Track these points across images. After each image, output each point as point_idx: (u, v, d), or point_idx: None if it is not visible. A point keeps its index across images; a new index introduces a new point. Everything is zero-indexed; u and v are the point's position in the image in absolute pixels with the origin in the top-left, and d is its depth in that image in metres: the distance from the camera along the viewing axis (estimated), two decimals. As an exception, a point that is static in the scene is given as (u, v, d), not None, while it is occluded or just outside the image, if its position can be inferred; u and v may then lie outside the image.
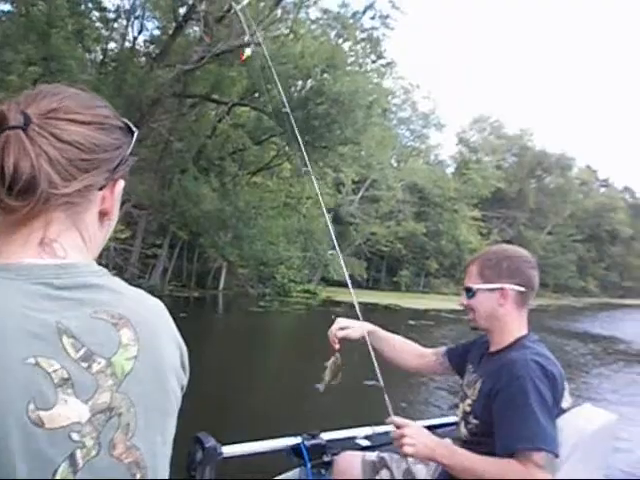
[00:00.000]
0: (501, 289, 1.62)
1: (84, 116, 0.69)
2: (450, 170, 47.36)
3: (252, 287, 23.68)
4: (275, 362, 10.34)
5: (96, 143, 0.70)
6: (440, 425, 2.53)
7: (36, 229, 0.67)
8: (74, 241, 0.70)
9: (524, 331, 1.66)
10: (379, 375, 1.84)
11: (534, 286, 1.66)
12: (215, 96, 19.75)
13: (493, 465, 1.42)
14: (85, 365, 0.62)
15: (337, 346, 1.89)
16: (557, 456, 1.40)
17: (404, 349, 2.05)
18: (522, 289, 1.63)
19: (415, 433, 1.52)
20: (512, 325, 1.64)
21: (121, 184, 0.77)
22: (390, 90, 32.76)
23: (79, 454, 0.59)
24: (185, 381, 0.77)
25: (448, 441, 1.71)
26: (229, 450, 1.90)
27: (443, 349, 2.00)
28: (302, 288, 25.89)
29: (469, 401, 1.64)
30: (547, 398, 1.43)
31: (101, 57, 18.36)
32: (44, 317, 0.61)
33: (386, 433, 2.18)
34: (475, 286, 1.66)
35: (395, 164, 38.84)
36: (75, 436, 0.59)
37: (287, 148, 21.67)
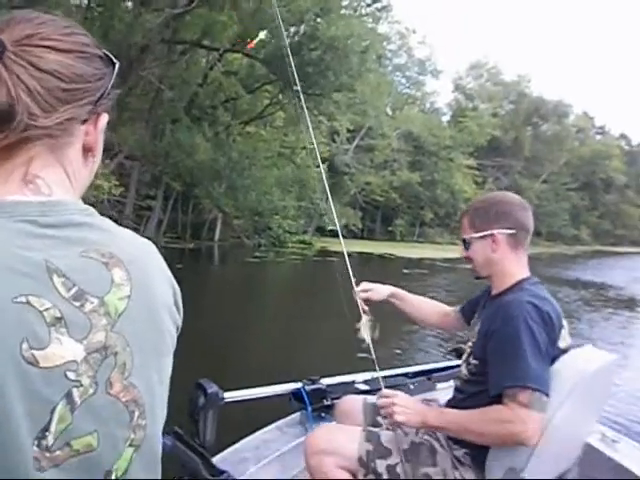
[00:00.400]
0: (492, 235, 1.66)
1: (63, 43, 0.65)
2: (446, 118, 46.85)
3: (247, 238, 23.72)
4: (272, 311, 10.48)
5: (77, 72, 0.66)
6: (440, 369, 2.59)
7: (18, 165, 0.64)
8: (58, 177, 0.67)
9: (524, 274, 1.68)
10: (371, 348, 1.89)
11: (526, 227, 1.68)
12: (206, 42, 19.16)
13: (481, 414, 1.48)
14: (77, 304, 0.60)
15: (364, 307, 1.97)
16: (547, 395, 1.42)
17: (427, 309, 2.11)
18: (512, 231, 1.65)
19: (405, 402, 1.60)
20: (510, 269, 1.67)
21: (105, 118, 0.73)
22: (385, 35, 31.95)
23: (76, 393, 0.59)
24: (180, 321, 0.76)
25: (435, 405, 1.79)
26: (231, 395, 1.94)
27: (459, 306, 2.05)
28: (297, 239, 25.96)
29: (470, 343, 1.70)
30: (539, 339, 1.45)
31: (86, 2, 17.66)
32: (31, 255, 0.59)
33: (384, 378, 2.22)
34: (468, 236, 1.71)
35: (390, 112, 38.27)
36: (71, 375, 0.58)
37: (281, 96, 21.26)
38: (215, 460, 1.71)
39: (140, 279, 0.68)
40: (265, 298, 11.99)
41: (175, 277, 0.77)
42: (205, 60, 21.60)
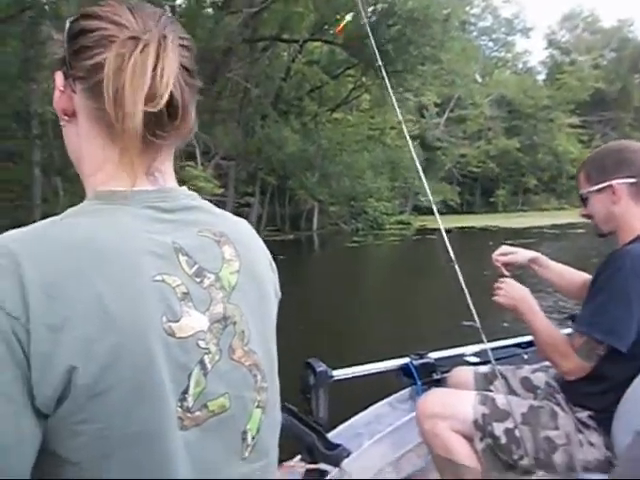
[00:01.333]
0: (610, 186, 1.54)
1: (187, 41, 0.71)
2: (541, 77, 44.23)
3: (345, 224, 23.91)
4: (376, 291, 10.50)
5: (195, 69, 0.71)
6: None
7: (147, 160, 0.69)
8: (170, 169, 0.74)
9: None
10: (474, 313, 1.84)
11: None
12: (285, 36, 19.46)
13: (555, 334, 1.57)
14: (198, 280, 0.66)
15: (505, 272, 1.89)
16: (614, 349, 1.42)
17: (570, 278, 1.95)
18: (634, 180, 1.53)
19: (508, 287, 1.69)
20: (633, 222, 1.54)
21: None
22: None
23: (207, 359, 0.65)
24: (279, 294, 0.82)
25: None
26: (339, 373, 1.97)
27: None
28: (395, 219, 25.78)
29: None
30: (630, 292, 1.41)
31: (170, 14, 18.49)
32: (161, 238, 0.65)
33: (496, 349, 2.16)
34: (585, 191, 1.60)
35: (480, 79, 36.70)
36: (201, 343, 0.64)
37: (364, 79, 21.09)
38: (329, 435, 1.75)
39: (246, 255, 0.74)
40: (368, 279, 12.04)
41: (278, 268, 0.83)
42: (286, 53, 21.90)
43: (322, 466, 1.63)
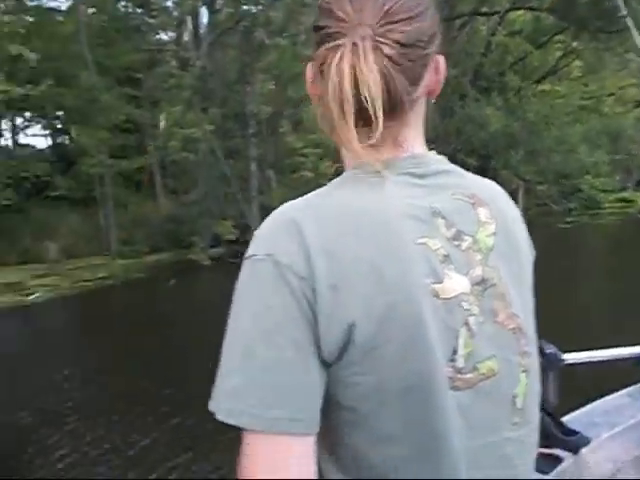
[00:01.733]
0: None
1: (416, 8, 0.67)
2: None
3: (554, 203, 22.08)
4: (603, 272, 9.61)
5: (429, 33, 0.68)
6: None
7: (391, 133, 0.69)
8: (419, 135, 0.74)
9: None
10: None
11: None
12: (484, 9, 18.55)
13: None
14: (456, 243, 0.66)
15: None
16: None
17: None
18: None
19: None
20: None
21: (442, 59, 0.73)
22: None
23: (472, 321, 0.65)
24: (534, 254, 0.78)
25: None
26: (571, 357, 1.84)
27: None
28: (615, 197, 23.03)
29: None
30: None
31: None
32: (419, 202, 0.66)
33: None
34: None
35: None
36: (465, 305, 0.64)
37: (575, 44, 19.16)
38: (564, 421, 1.65)
39: (500, 216, 0.72)
40: (592, 260, 11.07)
41: None
42: (485, 27, 20.86)
43: (557, 452, 1.55)
